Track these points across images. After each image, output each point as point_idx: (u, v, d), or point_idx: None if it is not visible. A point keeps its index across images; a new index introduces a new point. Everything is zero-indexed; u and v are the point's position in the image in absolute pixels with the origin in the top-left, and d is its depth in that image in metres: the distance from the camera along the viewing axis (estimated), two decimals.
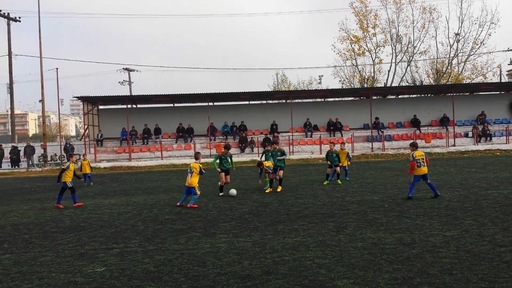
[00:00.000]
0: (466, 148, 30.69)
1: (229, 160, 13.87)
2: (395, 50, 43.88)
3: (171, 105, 36.06)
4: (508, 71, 60.07)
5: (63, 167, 13.49)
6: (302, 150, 31.85)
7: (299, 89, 48.03)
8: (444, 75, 43.42)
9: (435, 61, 44.13)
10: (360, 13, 43.04)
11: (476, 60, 44.50)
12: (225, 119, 33.68)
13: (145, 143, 32.53)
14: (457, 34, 42.47)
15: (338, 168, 15.58)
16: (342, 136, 33.25)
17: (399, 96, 38.10)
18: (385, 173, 18.53)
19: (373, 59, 44.05)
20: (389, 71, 44.70)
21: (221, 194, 13.62)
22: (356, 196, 12.53)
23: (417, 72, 45.68)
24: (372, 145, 32.25)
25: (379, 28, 43.36)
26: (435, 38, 44.24)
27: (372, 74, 44.94)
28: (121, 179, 21.15)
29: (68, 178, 12.55)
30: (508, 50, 54.28)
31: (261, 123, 34.25)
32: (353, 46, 43.79)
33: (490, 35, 46.91)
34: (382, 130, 33.38)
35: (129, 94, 46.61)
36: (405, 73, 44.91)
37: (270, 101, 39.35)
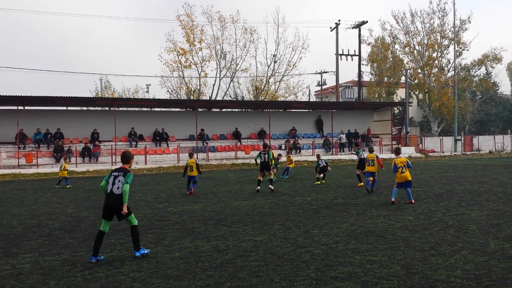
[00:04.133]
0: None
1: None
2: (219, 66, 45.98)
3: None
4: (315, 91, 68.35)
5: None
6: None
7: (124, 97, 46.44)
8: (262, 92, 47.13)
9: (255, 79, 47.63)
10: (186, 27, 43.96)
11: (289, 80, 49.56)
12: (39, 125, 30.55)
13: None
14: (274, 56, 46.62)
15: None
16: (168, 146, 33.28)
17: (223, 110, 39.99)
18: (208, 183, 19.14)
19: (199, 72, 45.39)
20: (213, 85, 46.60)
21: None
22: (178, 206, 12.64)
23: (239, 88, 48.64)
24: (197, 156, 32.99)
25: (205, 43, 44.95)
26: (255, 58, 47.83)
27: (198, 87, 46.21)
28: None
29: None
30: (316, 73, 61.95)
31: (81, 131, 32.06)
32: (180, 58, 44.41)
33: (301, 59, 53.04)
34: (206, 141, 34.49)
35: None
36: (228, 88, 47.38)
37: (92, 108, 37.19)
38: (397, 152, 12.85)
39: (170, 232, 9.06)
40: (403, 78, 47.63)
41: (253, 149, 35.42)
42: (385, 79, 53.07)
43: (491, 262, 6.44)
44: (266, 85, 47.47)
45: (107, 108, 36.55)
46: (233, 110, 40.47)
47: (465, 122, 55.20)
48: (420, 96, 51.29)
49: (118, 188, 6.93)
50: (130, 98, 45.37)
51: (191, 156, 16.08)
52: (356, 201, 12.95)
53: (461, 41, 48.03)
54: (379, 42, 51.41)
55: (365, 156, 15.90)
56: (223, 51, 45.65)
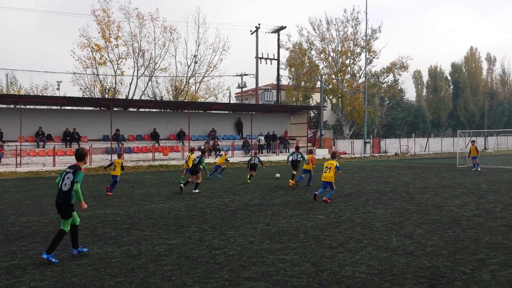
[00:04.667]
0: None
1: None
2: (137, 64, 44.59)
3: None
4: (236, 93, 68.90)
5: None
6: (32, 162, 28.76)
7: (31, 94, 43.34)
8: (182, 93, 46.53)
9: (175, 79, 46.89)
10: (102, 22, 42.10)
11: (210, 81, 49.47)
12: None
13: None
14: (194, 56, 46.22)
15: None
16: (79, 147, 31.58)
17: (140, 110, 38.82)
18: (122, 186, 18.46)
19: (115, 70, 43.68)
20: (130, 84, 45.08)
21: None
22: (87, 210, 12.02)
23: (157, 87, 47.53)
24: (111, 157, 31.65)
25: (122, 40, 43.37)
26: (175, 57, 47.10)
27: (114, 85, 44.46)
28: None
29: None
30: (236, 75, 62.41)
31: None
32: (94, 54, 42.40)
33: (221, 60, 53.04)
34: (122, 142, 33.27)
35: None
36: (146, 87, 46.12)
37: None
38: (333, 156, 13.92)
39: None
40: (318, 83, 49.57)
41: (172, 151, 34.86)
42: (302, 83, 54.89)
43: (393, 258, 6.90)
44: (186, 86, 46.93)
45: (12, 106, 33.87)
46: (151, 110, 39.44)
47: (374, 125, 58.79)
48: (334, 100, 53.71)
49: (65, 185, 7.03)
50: (38, 95, 42.41)
51: (119, 156, 17.09)
52: (272, 201, 13.23)
53: (372, 49, 51.03)
54: (296, 47, 53.03)
55: (300, 158, 17.75)
56: (141, 49, 44.40)
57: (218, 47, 48.00)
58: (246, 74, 61.95)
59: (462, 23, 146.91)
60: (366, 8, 48.02)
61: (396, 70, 53.69)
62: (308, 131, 43.93)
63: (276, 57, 48.68)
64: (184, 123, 36.22)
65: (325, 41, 51.02)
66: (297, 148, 19.07)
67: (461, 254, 7.03)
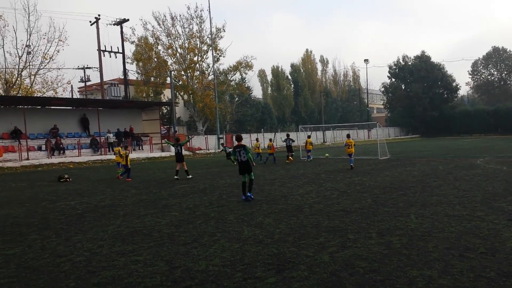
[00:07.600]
0: (40, 161, 30.55)
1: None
2: None
3: None
4: (79, 88, 64.27)
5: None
6: None
7: None
8: (14, 87, 41.68)
9: (4, 71, 41.70)
10: None
11: (46, 74, 45.14)
12: None
13: None
14: (27, 46, 41.65)
15: None
16: None
17: None
18: None
19: None
20: None
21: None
22: None
23: None
24: None
25: None
26: (3, 47, 41.74)
27: None
28: None
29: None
30: (78, 68, 58.13)
31: None
32: None
33: (58, 51, 48.78)
34: None
35: None
36: None
37: None
38: (348, 137, 21.30)
39: None
40: (168, 79, 49.07)
41: (6, 151, 31.03)
42: (152, 79, 53.70)
43: (244, 248, 7.20)
44: (18, 79, 42.11)
45: None
46: None
47: (226, 122, 60.58)
48: (186, 97, 53.79)
49: (244, 157, 11.82)
50: None
51: (125, 148, 19.56)
52: (125, 201, 12.73)
53: (218, 48, 52.30)
54: (142, 41, 51.58)
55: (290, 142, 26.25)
56: None
57: (54, 37, 43.81)
58: (89, 67, 58.33)
59: (298, 28, 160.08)
60: (209, 7, 49.18)
61: (242, 68, 55.88)
62: (162, 127, 43.31)
63: (121, 51, 46.75)
64: (19, 120, 32.56)
65: (172, 37, 50.69)
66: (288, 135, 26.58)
67: (304, 239, 7.67)
